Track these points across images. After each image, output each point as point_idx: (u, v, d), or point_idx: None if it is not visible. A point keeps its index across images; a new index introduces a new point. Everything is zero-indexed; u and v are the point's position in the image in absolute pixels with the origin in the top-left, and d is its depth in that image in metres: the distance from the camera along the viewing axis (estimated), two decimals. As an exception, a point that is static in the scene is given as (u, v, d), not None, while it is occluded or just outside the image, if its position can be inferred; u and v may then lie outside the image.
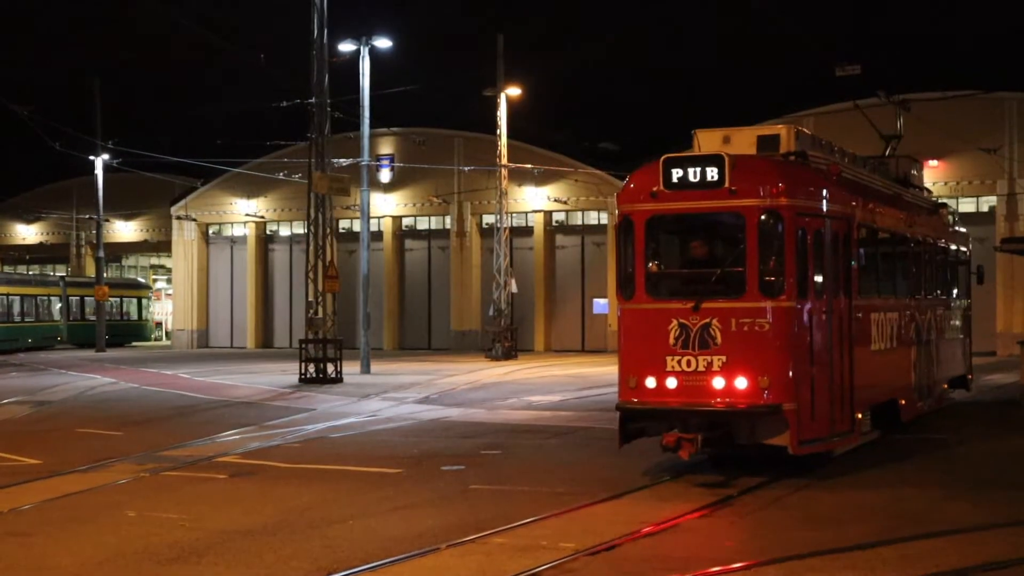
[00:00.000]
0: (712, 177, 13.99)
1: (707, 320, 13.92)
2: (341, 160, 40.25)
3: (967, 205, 48.75)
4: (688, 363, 13.98)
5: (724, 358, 13.85)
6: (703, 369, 13.92)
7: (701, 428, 13.81)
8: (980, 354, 44.92)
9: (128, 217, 69.89)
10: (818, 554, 10.27)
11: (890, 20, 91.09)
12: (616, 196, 15.37)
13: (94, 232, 61.73)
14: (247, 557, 10.53)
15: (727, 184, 13.92)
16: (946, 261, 22.08)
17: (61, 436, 20.29)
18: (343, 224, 56.49)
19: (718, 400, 13.89)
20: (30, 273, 72.48)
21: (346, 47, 38.24)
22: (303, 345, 33.55)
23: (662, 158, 14.31)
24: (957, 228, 24.36)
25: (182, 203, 64.05)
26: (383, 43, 38.81)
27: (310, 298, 34.23)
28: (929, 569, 9.70)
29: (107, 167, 58.39)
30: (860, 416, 15.47)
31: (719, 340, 13.87)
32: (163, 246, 69.64)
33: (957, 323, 23.00)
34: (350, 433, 20.30)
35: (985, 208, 48.64)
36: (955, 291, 23.03)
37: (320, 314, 34.07)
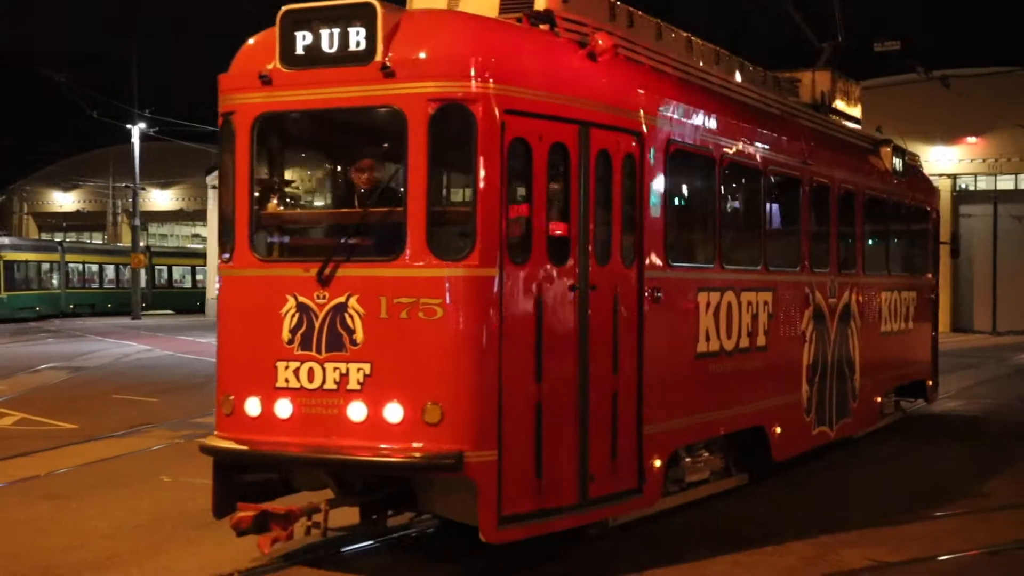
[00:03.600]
0: (357, 44, 8.09)
1: (341, 299, 8.14)
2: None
3: (1005, 182, 48.39)
4: (310, 375, 8.25)
5: (367, 368, 8.05)
6: (333, 386, 8.15)
7: (344, 490, 8.56)
8: (1017, 332, 44.90)
9: (164, 186, 70.36)
10: None
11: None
12: (218, 80, 8.98)
13: (130, 200, 62.20)
14: (280, 523, 10.58)
15: (379, 56, 8.03)
16: (887, 221, 15.93)
17: (97, 402, 20.47)
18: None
19: (357, 444, 8.06)
20: (117, 245, 74.13)
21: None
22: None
23: (281, 11, 8.41)
24: (914, 177, 17.40)
25: (217, 172, 64.29)
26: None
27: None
28: None
29: (144, 136, 58.76)
30: (659, 463, 9.35)
31: (360, 336, 8.08)
32: (199, 215, 70.08)
33: (907, 310, 16.43)
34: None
35: (1024, 186, 48.22)
36: (905, 264, 16.93)
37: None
